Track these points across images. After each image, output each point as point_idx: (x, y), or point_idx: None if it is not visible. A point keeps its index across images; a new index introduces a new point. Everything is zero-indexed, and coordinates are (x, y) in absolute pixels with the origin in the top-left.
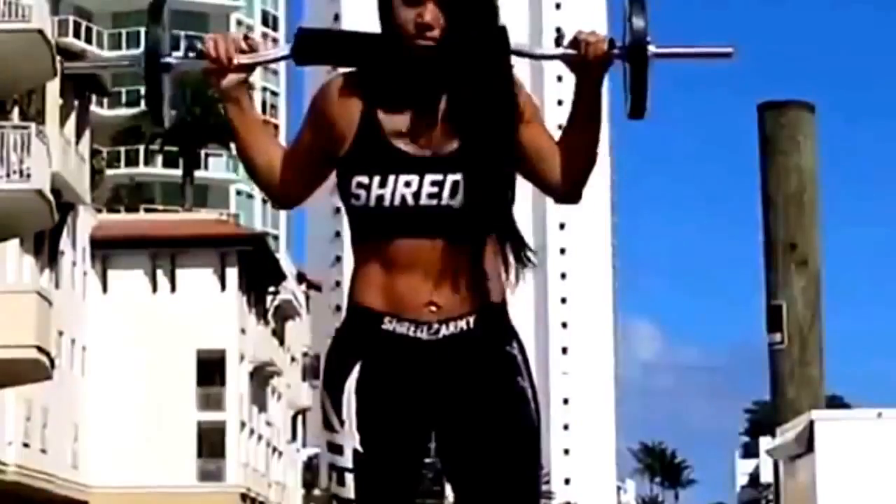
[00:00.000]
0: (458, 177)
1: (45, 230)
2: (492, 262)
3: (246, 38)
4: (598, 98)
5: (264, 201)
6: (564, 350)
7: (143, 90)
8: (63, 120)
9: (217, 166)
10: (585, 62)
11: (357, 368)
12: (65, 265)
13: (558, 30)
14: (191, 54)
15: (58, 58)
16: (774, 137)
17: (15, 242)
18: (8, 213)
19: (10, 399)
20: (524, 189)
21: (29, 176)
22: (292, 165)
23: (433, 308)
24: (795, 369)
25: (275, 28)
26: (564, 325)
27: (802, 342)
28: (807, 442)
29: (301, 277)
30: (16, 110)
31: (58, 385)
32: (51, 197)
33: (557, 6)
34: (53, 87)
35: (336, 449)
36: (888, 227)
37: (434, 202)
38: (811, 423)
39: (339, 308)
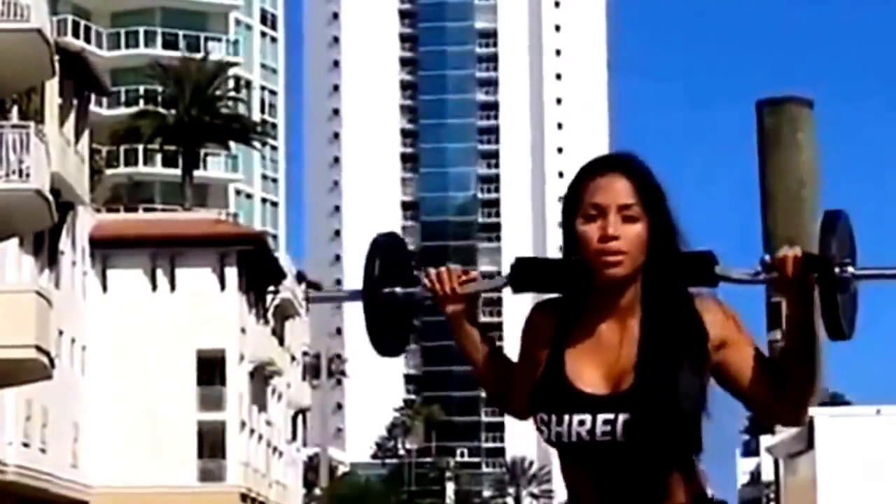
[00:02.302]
0: (628, 416)
1: (44, 230)
2: (673, 483)
3: (465, 271)
4: (809, 319)
5: (263, 201)
6: None
7: (142, 89)
8: (62, 119)
9: (216, 166)
10: (787, 282)
11: None
12: (64, 265)
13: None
14: (417, 288)
15: (56, 57)
16: (773, 133)
17: (14, 242)
18: (7, 212)
19: (9, 399)
20: (522, 188)
21: (28, 175)
22: (516, 382)
23: None
24: None
25: (273, 27)
26: None
27: None
28: (807, 439)
29: (301, 277)
30: (15, 110)
31: (57, 385)
32: (50, 196)
33: (556, 4)
34: (52, 87)
35: None
36: (888, 222)
37: (608, 439)
38: (811, 421)
39: (339, 307)
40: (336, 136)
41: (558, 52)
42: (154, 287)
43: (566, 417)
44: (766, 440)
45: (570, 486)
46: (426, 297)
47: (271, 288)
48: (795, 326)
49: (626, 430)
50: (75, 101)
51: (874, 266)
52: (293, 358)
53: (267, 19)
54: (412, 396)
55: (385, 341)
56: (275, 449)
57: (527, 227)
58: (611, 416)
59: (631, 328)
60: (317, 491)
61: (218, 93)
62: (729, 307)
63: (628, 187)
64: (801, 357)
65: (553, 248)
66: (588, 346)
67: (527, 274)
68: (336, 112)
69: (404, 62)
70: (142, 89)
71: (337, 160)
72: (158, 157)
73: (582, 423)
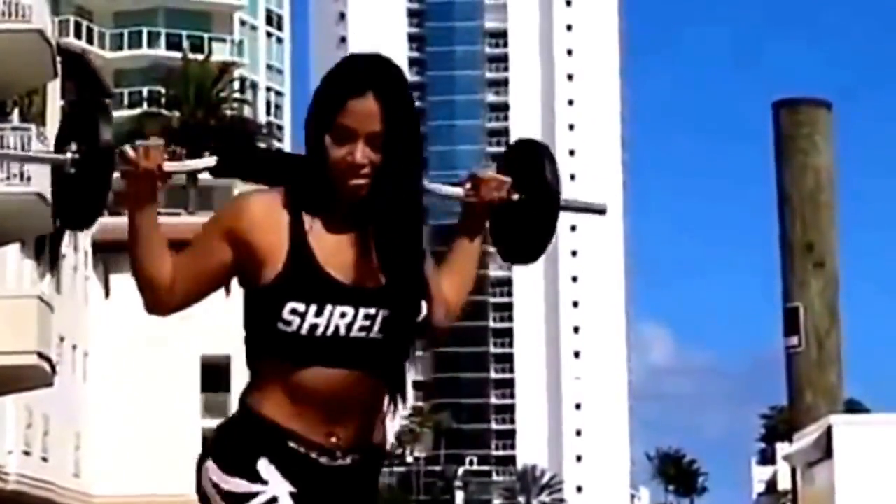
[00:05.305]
0: (387, 312)
1: (45, 234)
2: (384, 399)
3: (167, 145)
4: (481, 239)
5: None
6: (577, 354)
7: (146, 91)
8: None
9: None
10: (481, 204)
11: (265, 460)
12: (66, 269)
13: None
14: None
15: (58, 58)
16: (790, 136)
17: (15, 247)
18: (8, 216)
19: (10, 406)
20: None
21: (29, 179)
22: (192, 276)
23: (334, 439)
24: (813, 373)
25: (279, 27)
26: (576, 329)
27: (820, 345)
28: (825, 447)
29: None
30: (16, 111)
31: (59, 392)
32: (52, 200)
33: (568, 3)
34: (54, 88)
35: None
36: None
37: (363, 335)
38: (829, 429)
39: None
40: None
41: (570, 53)
42: None
43: (328, 308)
44: (782, 448)
45: (272, 385)
46: (128, 170)
47: None
48: (474, 243)
49: (383, 327)
50: None
51: (576, 199)
52: None
53: (272, 19)
54: (421, 403)
55: (75, 212)
56: None
57: None
58: (372, 310)
59: (364, 229)
60: None
61: (223, 94)
62: None
63: (379, 112)
64: (472, 268)
65: (564, 254)
66: (331, 241)
67: (237, 160)
68: None
69: (412, 62)
70: (145, 91)
71: None
72: None
73: (343, 315)
